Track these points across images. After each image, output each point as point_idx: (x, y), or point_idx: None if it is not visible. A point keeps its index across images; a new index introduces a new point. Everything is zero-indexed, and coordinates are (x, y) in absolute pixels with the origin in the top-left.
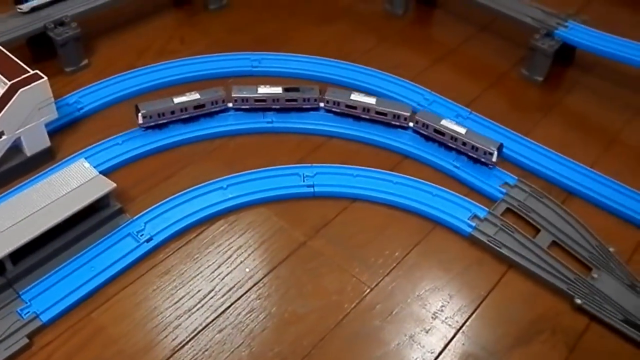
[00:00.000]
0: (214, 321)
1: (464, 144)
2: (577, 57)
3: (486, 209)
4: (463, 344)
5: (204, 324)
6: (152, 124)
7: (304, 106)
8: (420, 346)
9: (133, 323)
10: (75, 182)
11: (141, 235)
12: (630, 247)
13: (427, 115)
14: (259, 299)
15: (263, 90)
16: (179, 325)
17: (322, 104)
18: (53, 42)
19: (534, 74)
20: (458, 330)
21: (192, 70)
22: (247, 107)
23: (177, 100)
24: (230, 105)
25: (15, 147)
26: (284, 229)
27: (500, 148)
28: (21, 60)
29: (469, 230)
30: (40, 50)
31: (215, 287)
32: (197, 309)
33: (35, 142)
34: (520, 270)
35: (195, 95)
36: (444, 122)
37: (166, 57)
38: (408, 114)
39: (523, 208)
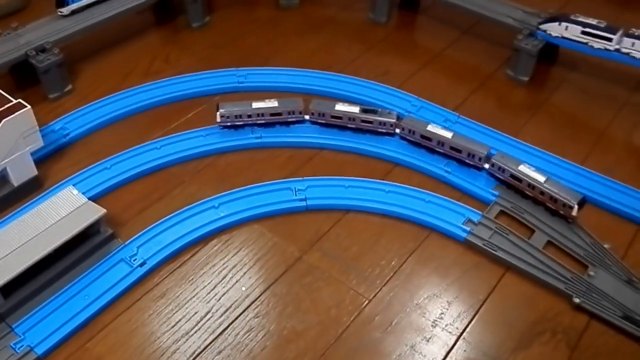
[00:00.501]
0: (213, 343)
1: (542, 193)
2: (561, 55)
3: (480, 212)
4: (465, 351)
5: (202, 347)
6: (229, 124)
7: (379, 130)
8: (422, 355)
9: (130, 351)
10: (65, 210)
11: (134, 260)
12: (625, 243)
13: (505, 158)
14: (257, 317)
15: (341, 107)
16: (177, 349)
17: (397, 130)
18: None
19: (520, 74)
20: (459, 337)
21: (178, 89)
22: (323, 122)
23: (255, 105)
24: (307, 117)
25: (2, 178)
26: (279, 244)
27: (582, 202)
28: (4, 89)
29: (464, 235)
30: (23, 77)
31: (212, 308)
32: (195, 332)
33: (22, 171)
34: (518, 272)
35: (273, 103)
36: (522, 168)
37: (152, 77)
38: (484, 154)
39: (516, 209)
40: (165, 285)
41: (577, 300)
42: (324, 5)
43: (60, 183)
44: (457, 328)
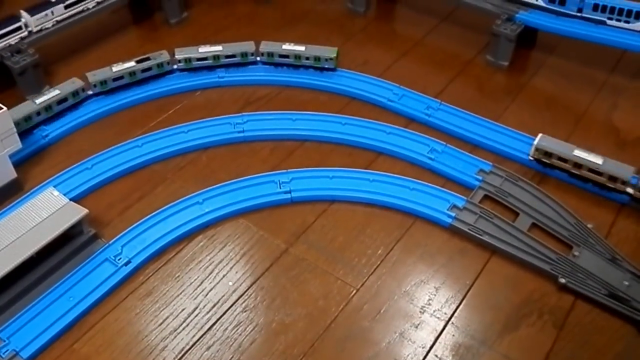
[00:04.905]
0: (201, 339)
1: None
2: (540, 39)
3: (464, 197)
4: (453, 335)
5: (191, 343)
6: None
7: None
8: (411, 342)
9: (117, 350)
10: (46, 211)
11: (119, 259)
12: (607, 222)
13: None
14: (245, 311)
15: None
16: (166, 347)
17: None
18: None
19: (499, 59)
20: (447, 322)
21: (157, 87)
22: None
23: None
24: None
25: None
26: (264, 238)
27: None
28: None
29: (449, 220)
30: None
31: (199, 304)
32: (183, 329)
33: (0, 174)
34: (503, 256)
35: None
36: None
37: None
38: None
39: (500, 193)
40: (151, 283)
41: (562, 280)
42: None
43: (41, 185)
44: (445, 313)
